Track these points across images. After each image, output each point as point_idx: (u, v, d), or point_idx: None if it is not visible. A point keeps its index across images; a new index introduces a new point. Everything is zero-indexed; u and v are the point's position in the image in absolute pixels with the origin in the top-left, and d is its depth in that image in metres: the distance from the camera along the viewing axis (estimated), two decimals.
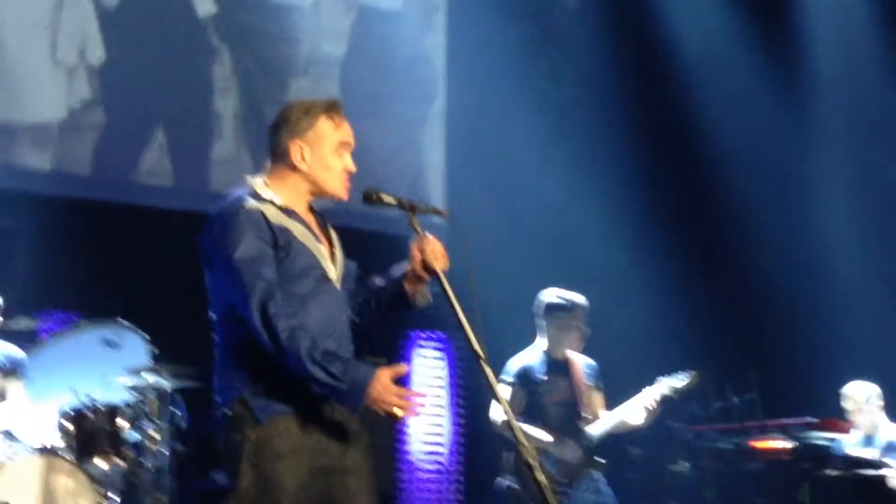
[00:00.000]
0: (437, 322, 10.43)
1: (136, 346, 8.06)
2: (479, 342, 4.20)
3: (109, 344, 8.03)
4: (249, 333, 4.23)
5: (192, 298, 9.23)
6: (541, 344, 7.94)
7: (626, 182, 10.86)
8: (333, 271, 4.45)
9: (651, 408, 7.78)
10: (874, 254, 11.03)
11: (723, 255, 11.16)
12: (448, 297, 4.32)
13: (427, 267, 4.40)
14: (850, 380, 9.17)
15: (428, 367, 10.78)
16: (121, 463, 7.22)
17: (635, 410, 7.81)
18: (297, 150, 4.37)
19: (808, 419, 8.51)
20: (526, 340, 8.05)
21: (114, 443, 7.20)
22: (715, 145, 11.19)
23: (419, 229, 4.44)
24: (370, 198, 4.45)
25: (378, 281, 4.63)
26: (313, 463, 4.30)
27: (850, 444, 9.00)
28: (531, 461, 4.26)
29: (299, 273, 4.31)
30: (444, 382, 10.92)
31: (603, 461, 7.72)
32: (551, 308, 7.83)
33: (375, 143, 9.59)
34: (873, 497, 8.09)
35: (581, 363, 7.93)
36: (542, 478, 4.19)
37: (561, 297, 7.79)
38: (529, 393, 7.82)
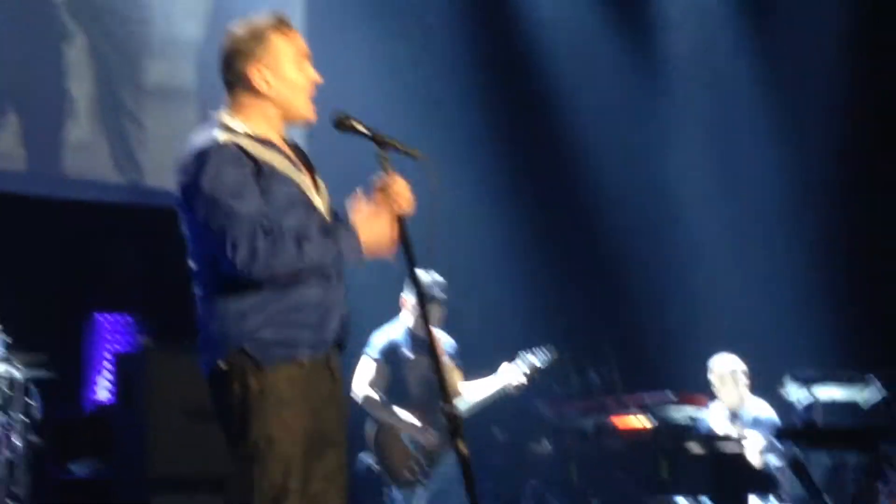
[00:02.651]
0: None
1: None
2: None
3: None
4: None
5: (47, 286, 9.22)
6: (405, 321, 7.95)
7: (481, 160, 10.89)
8: (320, 202, 4.20)
9: (514, 384, 7.85)
10: (731, 225, 11.18)
11: (579, 230, 11.23)
12: (405, 246, 4.15)
13: (389, 209, 4.14)
14: (709, 352, 9.27)
15: None
16: None
17: (497, 386, 7.87)
18: (258, 75, 4.15)
19: (667, 394, 8.58)
20: (387, 317, 8.05)
21: None
22: (569, 121, 11.27)
23: (388, 167, 4.17)
24: (342, 123, 4.20)
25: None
26: (310, 422, 4.08)
27: (715, 419, 9.09)
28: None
29: (285, 205, 4.06)
30: None
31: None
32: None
33: None
34: (732, 472, 8.19)
35: (443, 341, 7.95)
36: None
37: (429, 285, 7.74)
38: (394, 370, 7.82)
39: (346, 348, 4.29)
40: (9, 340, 7.81)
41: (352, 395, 7.72)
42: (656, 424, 8.45)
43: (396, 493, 7.70)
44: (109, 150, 10.21)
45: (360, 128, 4.20)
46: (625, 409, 8.57)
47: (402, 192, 4.16)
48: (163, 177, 10.20)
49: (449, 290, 7.94)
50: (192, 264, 4.15)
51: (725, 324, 10.36)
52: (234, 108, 4.19)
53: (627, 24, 11.37)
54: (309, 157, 4.33)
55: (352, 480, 7.48)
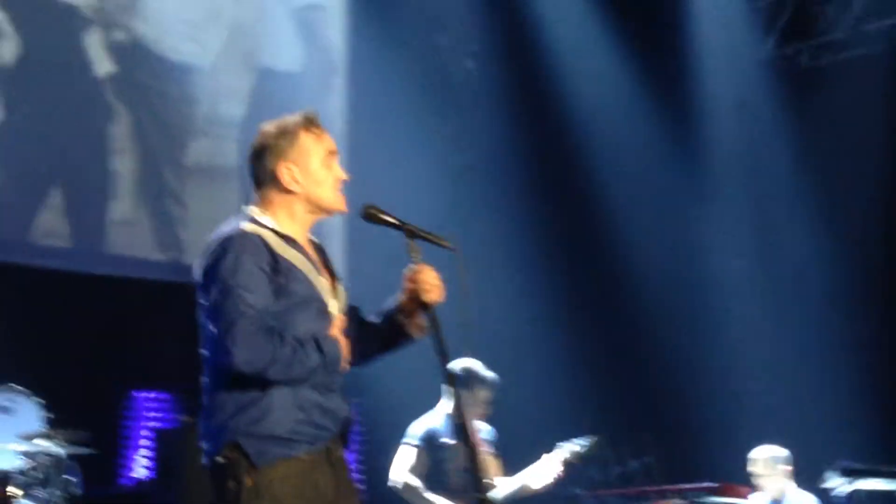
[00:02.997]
0: None
1: (29, 411, 7.95)
2: None
3: (1, 409, 7.90)
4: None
5: (89, 363, 9.24)
6: (444, 408, 7.89)
7: (524, 246, 10.91)
8: (335, 305, 4.27)
9: (552, 474, 7.78)
10: (773, 315, 11.13)
11: (620, 319, 11.21)
12: (436, 334, 4.18)
13: (419, 298, 4.23)
14: (750, 443, 9.19)
15: None
16: None
17: (535, 476, 7.80)
18: (286, 172, 4.22)
19: (708, 484, 8.51)
20: (428, 405, 8.01)
21: None
22: (612, 205, 11.29)
23: (416, 257, 4.25)
24: (370, 215, 4.27)
25: (373, 317, 4.42)
26: None
27: None
28: None
29: (300, 303, 4.13)
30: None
31: None
32: (464, 379, 7.75)
33: None
34: None
35: (480, 430, 7.89)
36: None
37: (470, 369, 7.71)
38: (433, 457, 7.74)
39: (348, 444, 4.31)
40: (50, 416, 7.82)
41: (390, 483, 7.67)
42: None
43: None
44: (151, 228, 10.27)
45: (388, 219, 4.27)
46: (664, 498, 8.50)
47: (431, 280, 4.22)
48: None
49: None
50: (202, 352, 4.18)
51: (768, 415, 10.28)
52: (263, 203, 4.27)
53: (671, 114, 11.39)
54: (330, 259, 4.40)
55: None
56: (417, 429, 7.79)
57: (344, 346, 4.16)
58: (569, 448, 7.83)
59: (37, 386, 8.20)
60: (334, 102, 11.58)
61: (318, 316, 4.17)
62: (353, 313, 4.41)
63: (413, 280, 4.24)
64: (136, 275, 9.90)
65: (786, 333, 11.04)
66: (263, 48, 11.20)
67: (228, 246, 4.09)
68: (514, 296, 10.75)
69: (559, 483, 7.90)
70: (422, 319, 4.29)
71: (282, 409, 4.07)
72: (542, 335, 10.81)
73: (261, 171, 4.27)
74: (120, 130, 10.27)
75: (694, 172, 11.46)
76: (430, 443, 7.74)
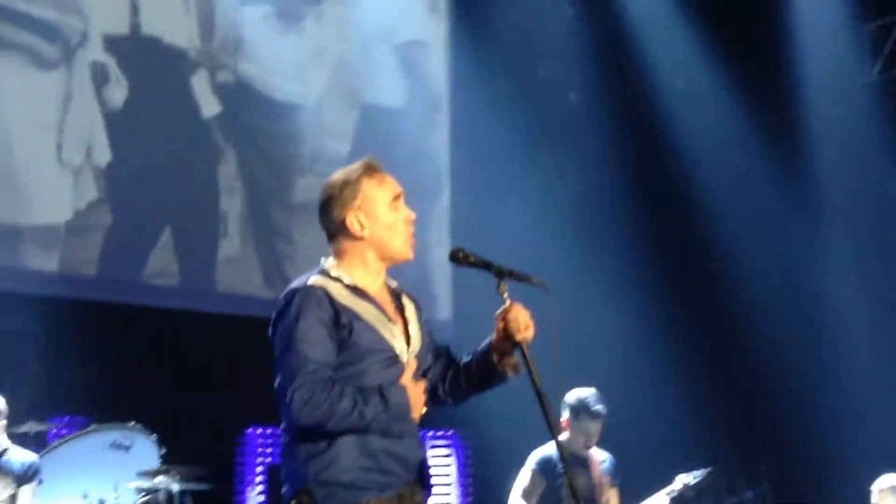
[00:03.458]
0: (445, 419, 10.36)
1: (145, 449, 8.04)
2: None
3: (119, 447, 8.01)
4: None
5: (201, 399, 9.32)
6: (562, 436, 7.88)
7: (633, 277, 10.85)
8: (406, 351, 4.31)
9: None
10: (890, 341, 10.96)
11: (735, 349, 11.11)
12: (529, 372, 4.20)
13: (510, 337, 4.26)
14: (872, 472, 9.03)
15: (436, 465, 10.66)
16: None
17: None
18: (354, 220, 4.29)
19: None
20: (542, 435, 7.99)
21: None
22: (722, 235, 11.19)
23: (506, 297, 4.27)
24: (457, 257, 4.35)
25: (466, 356, 4.47)
26: None
27: None
28: None
29: (365, 353, 4.19)
30: (453, 480, 10.82)
31: None
32: (574, 409, 7.76)
33: None
34: None
35: (599, 459, 7.89)
36: None
37: (580, 398, 7.71)
38: (549, 484, 7.75)
39: (430, 489, 4.34)
40: (166, 453, 7.90)
41: None
42: None
43: None
44: (260, 265, 10.37)
45: (475, 261, 4.33)
46: None
47: (521, 319, 4.25)
48: None
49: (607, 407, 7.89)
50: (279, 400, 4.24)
51: (890, 442, 10.09)
52: (336, 254, 4.34)
53: (778, 140, 11.29)
54: (411, 302, 4.44)
55: None
56: (535, 455, 7.83)
57: (414, 392, 4.21)
58: (683, 479, 7.80)
59: (151, 423, 8.30)
60: (438, 137, 11.65)
61: (386, 364, 4.23)
62: (446, 354, 4.50)
63: (504, 319, 4.27)
64: (245, 312, 9.98)
65: None
66: (367, 85, 11.29)
67: (292, 300, 4.17)
68: (627, 326, 10.69)
69: None
70: (515, 358, 4.32)
71: (348, 456, 4.13)
72: (655, 364, 10.74)
73: (330, 223, 4.36)
74: (227, 170, 10.40)
75: (803, 198, 11.35)
76: (546, 468, 7.76)
